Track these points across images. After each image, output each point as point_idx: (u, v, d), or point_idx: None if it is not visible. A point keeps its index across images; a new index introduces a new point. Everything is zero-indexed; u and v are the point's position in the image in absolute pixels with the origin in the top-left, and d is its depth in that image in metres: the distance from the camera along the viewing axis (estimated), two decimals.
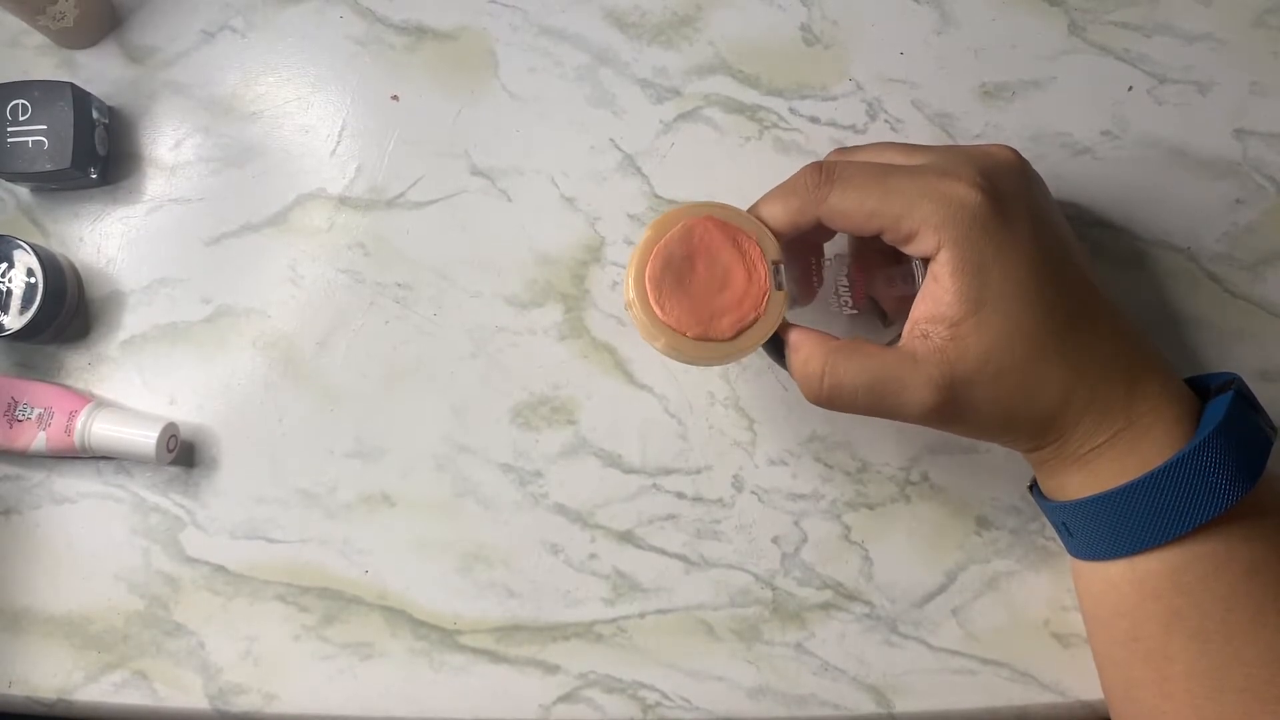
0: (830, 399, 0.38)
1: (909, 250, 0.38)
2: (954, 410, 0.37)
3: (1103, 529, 0.38)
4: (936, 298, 0.37)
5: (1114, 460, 0.38)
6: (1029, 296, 0.36)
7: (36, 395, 0.47)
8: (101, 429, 0.46)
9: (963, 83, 0.50)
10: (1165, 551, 0.37)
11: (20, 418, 0.46)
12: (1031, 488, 0.44)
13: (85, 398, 0.47)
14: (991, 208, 0.37)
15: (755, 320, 0.39)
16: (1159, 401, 0.38)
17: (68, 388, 0.47)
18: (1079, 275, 0.38)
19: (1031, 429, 0.38)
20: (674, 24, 0.50)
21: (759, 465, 0.48)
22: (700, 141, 0.50)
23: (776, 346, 0.40)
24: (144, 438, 0.46)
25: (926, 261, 0.38)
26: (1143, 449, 0.37)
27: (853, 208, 0.37)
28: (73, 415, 0.46)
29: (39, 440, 0.46)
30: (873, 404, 0.38)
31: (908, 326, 0.38)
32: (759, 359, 0.48)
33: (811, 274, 0.43)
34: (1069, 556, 0.42)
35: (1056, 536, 0.47)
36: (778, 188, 0.40)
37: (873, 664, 0.46)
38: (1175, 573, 0.37)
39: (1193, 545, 0.37)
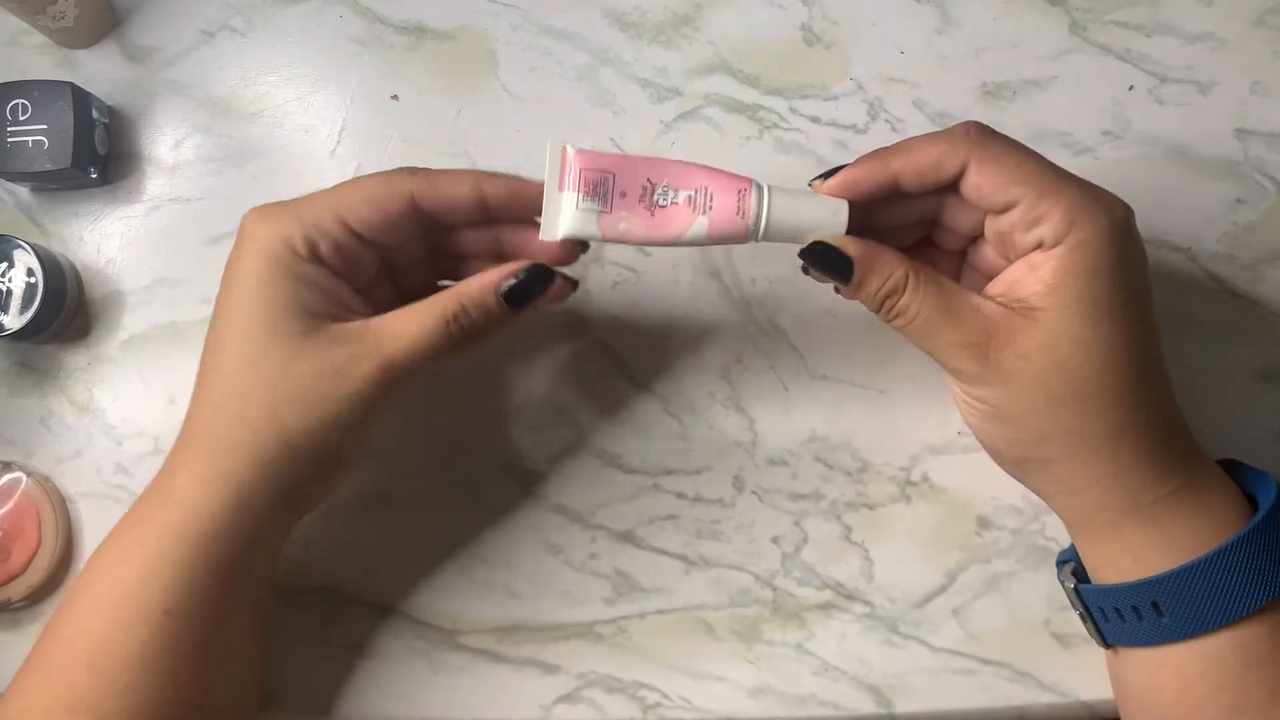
0: (889, 309, 0.38)
1: (1026, 236, 0.36)
2: (993, 392, 0.37)
3: (1208, 595, 0.35)
4: (1034, 278, 0.36)
5: (1185, 519, 0.36)
6: (1132, 316, 0.36)
7: (679, 177, 0.39)
8: (784, 205, 0.38)
9: (963, 82, 0.49)
10: (1268, 610, 0.35)
11: (662, 203, 0.39)
12: (1074, 588, 0.40)
13: (740, 176, 0.39)
14: (1132, 223, 0.36)
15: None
16: (1210, 464, 0.38)
17: (713, 169, 0.40)
18: (1158, 329, 0.38)
19: (1077, 447, 0.36)
20: (674, 24, 0.50)
21: (759, 465, 0.48)
22: (700, 141, 0.49)
23: (830, 257, 0.38)
24: (831, 214, 0.38)
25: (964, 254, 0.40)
26: (1214, 506, 0.36)
27: (1011, 166, 0.36)
28: (743, 194, 0.39)
29: (698, 225, 0.39)
30: (927, 330, 0.37)
31: (992, 288, 0.38)
32: (760, 358, 0.48)
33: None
34: (1112, 652, 0.40)
35: (1057, 537, 0.47)
36: (931, 134, 0.38)
37: (873, 664, 0.46)
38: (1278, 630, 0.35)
39: None
